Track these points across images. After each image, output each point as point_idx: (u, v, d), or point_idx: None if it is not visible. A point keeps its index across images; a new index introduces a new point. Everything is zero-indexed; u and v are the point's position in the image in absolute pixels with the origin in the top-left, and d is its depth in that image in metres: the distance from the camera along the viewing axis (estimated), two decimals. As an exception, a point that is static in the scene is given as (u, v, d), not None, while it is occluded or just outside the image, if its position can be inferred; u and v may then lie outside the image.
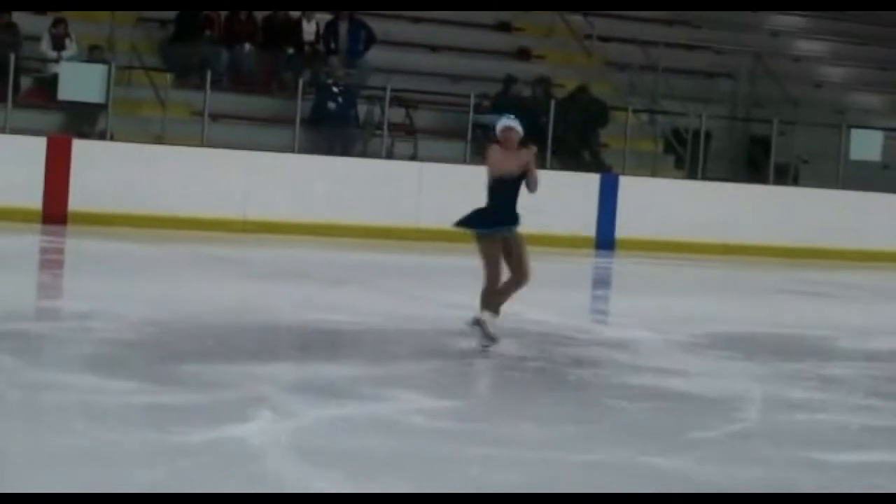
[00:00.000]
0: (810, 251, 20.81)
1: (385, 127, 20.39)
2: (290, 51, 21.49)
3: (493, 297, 9.75)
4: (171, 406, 7.39)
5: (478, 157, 20.38)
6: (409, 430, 7.25)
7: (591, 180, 20.39)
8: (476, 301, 9.72)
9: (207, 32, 20.94)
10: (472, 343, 9.80)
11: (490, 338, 9.73)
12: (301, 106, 19.88)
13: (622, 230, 20.31)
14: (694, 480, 6.52)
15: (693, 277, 18.14)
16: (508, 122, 9.84)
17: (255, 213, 18.86)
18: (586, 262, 19.03)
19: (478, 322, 9.71)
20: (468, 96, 20.50)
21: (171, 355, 9.00)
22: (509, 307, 9.85)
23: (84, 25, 20.64)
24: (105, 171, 18.23)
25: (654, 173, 21.70)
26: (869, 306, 16.21)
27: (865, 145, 22.18)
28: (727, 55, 24.98)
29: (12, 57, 18.79)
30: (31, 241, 16.50)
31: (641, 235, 20.22)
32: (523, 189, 9.81)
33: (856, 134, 22.29)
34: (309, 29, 21.70)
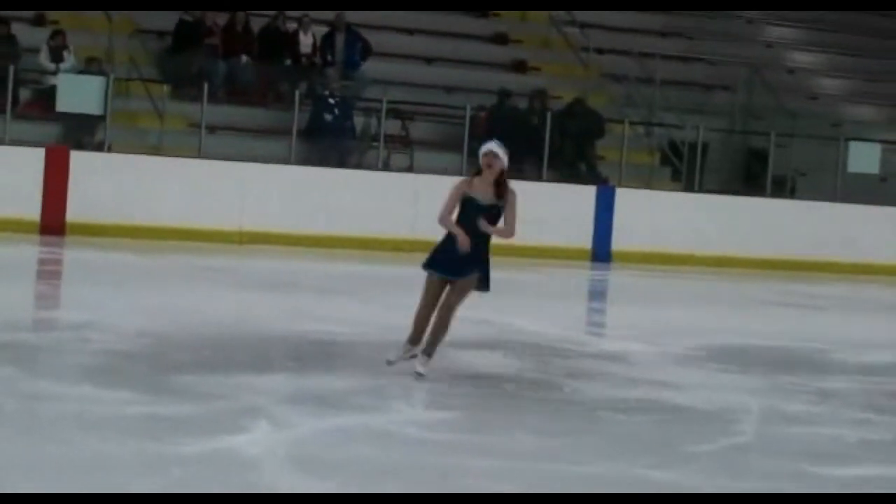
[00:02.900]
0: (807, 264, 20.80)
1: (381, 138, 20.40)
2: (287, 62, 21.50)
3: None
4: (166, 417, 7.39)
5: (473, 169, 20.43)
6: (404, 441, 7.26)
7: (588, 192, 20.38)
8: (474, 313, 9.69)
9: (205, 44, 20.94)
10: (466, 355, 9.79)
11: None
12: (298, 117, 19.88)
13: (618, 242, 20.29)
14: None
15: (689, 290, 18.13)
16: (492, 148, 9.01)
17: (252, 225, 18.86)
18: (582, 275, 19.02)
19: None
20: (464, 108, 20.50)
21: (167, 366, 9.00)
22: (500, 318, 9.81)
23: (82, 37, 20.63)
24: (103, 182, 18.23)
25: (651, 185, 21.68)
26: (866, 319, 16.20)
27: (863, 158, 22.16)
28: (723, 67, 24.98)
29: (11, 69, 18.80)
30: (28, 251, 16.49)
31: (638, 248, 20.21)
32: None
33: (853, 146, 22.28)
34: (306, 41, 21.70)
